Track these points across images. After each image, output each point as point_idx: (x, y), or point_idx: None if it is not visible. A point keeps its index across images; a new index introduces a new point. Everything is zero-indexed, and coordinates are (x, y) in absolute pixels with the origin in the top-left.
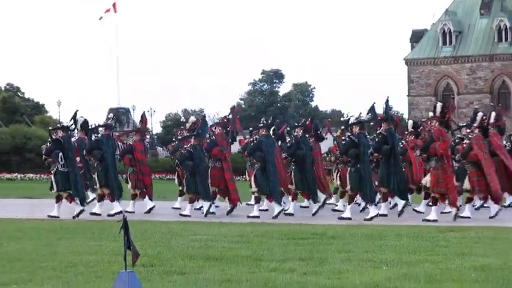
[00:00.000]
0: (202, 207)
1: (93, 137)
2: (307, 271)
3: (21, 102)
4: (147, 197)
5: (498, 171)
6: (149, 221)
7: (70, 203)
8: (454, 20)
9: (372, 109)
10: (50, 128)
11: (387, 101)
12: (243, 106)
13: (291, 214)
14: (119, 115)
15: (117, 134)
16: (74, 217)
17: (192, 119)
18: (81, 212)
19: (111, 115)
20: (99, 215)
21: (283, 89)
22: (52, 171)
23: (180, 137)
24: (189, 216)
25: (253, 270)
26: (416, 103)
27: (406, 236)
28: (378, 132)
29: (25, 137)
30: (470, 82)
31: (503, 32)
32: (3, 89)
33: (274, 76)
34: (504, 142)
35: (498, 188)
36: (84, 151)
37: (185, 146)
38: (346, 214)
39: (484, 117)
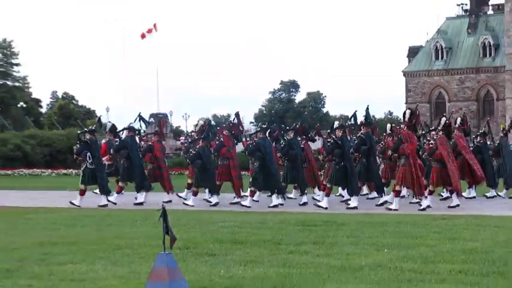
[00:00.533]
0: (205, 198)
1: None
2: (320, 253)
3: (75, 109)
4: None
5: (463, 168)
6: (182, 211)
7: (102, 194)
8: (445, 38)
9: (353, 116)
10: (79, 131)
11: (367, 108)
12: (264, 112)
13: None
14: (101, 121)
15: (142, 135)
16: (99, 206)
17: (201, 122)
18: (106, 205)
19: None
20: (115, 203)
21: (299, 97)
22: (82, 168)
23: (190, 140)
24: (193, 206)
25: (273, 252)
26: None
27: (404, 223)
28: (358, 135)
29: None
30: (459, 91)
31: (487, 48)
32: (60, 97)
33: (291, 86)
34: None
35: (458, 181)
36: (112, 150)
37: (196, 147)
38: (353, 204)
39: (448, 121)
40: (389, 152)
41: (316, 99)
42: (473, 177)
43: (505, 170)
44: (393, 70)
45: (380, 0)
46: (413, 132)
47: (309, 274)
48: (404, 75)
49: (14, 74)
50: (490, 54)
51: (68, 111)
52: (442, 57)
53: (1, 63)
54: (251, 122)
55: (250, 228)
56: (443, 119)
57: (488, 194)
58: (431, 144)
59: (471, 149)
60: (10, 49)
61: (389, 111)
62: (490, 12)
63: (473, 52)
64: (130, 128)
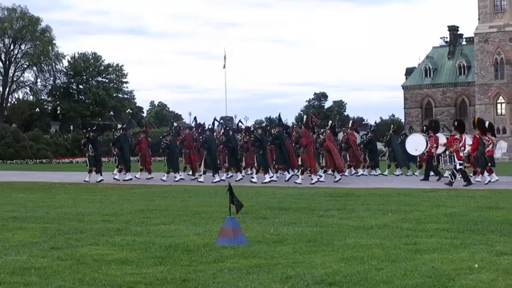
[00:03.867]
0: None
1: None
2: (342, 217)
3: (166, 114)
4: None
5: (354, 157)
6: (244, 186)
7: (96, 174)
8: (431, 61)
9: (279, 119)
10: (84, 130)
11: (279, 114)
12: (302, 115)
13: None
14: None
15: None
16: (97, 181)
17: (175, 124)
18: (101, 180)
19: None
20: (118, 180)
21: (327, 104)
22: (86, 156)
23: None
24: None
25: (308, 216)
26: (409, 113)
27: (403, 195)
28: (273, 132)
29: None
30: (442, 99)
31: (462, 68)
32: (156, 105)
33: (321, 96)
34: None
35: (341, 165)
36: (111, 144)
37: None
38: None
39: (333, 123)
40: (293, 144)
41: (339, 105)
42: (357, 161)
43: (394, 155)
44: (395, 84)
45: (385, 35)
46: (309, 130)
47: (334, 232)
48: (402, 88)
49: (124, 89)
50: (464, 73)
51: (162, 115)
52: (430, 75)
53: (115, 81)
54: (293, 122)
55: (292, 198)
56: (330, 122)
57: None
58: (321, 138)
59: (365, 141)
60: (121, 71)
61: (392, 114)
62: (464, 43)
63: (452, 71)
64: (123, 128)
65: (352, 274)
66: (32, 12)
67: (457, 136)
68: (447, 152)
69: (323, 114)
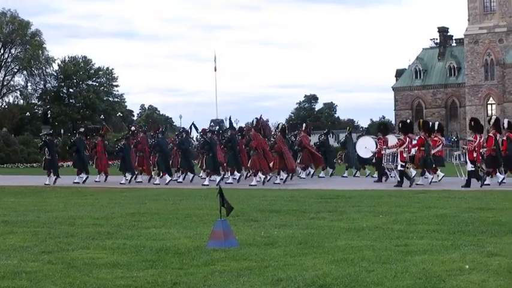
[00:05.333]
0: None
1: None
2: (333, 219)
3: (157, 117)
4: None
5: (313, 156)
6: (232, 189)
7: (53, 176)
8: (422, 63)
9: (230, 122)
10: (40, 134)
11: (230, 118)
12: (293, 117)
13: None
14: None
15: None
16: (47, 184)
17: (132, 128)
18: (56, 179)
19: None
20: (78, 183)
21: (318, 106)
22: (43, 159)
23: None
24: (208, 185)
25: (299, 218)
26: (400, 114)
27: (394, 196)
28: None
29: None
30: (433, 101)
31: (452, 70)
32: (147, 108)
33: (312, 98)
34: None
35: (293, 165)
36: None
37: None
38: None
39: (284, 126)
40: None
41: (330, 107)
42: (315, 162)
43: (349, 157)
44: (385, 86)
45: (375, 36)
46: (259, 133)
47: (325, 234)
48: (393, 89)
49: (114, 92)
50: (454, 74)
51: (153, 119)
52: (420, 77)
53: (105, 85)
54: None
55: (283, 201)
56: (281, 124)
57: (321, 174)
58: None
59: (318, 143)
60: (111, 75)
61: (382, 115)
62: (454, 44)
63: (442, 73)
64: (79, 133)
65: (343, 276)
66: (21, 16)
67: (401, 137)
68: (389, 151)
69: (314, 116)
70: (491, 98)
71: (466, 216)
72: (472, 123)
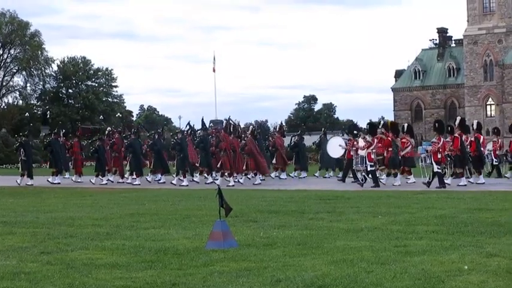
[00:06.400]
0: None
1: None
2: (332, 219)
3: (156, 118)
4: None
5: (281, 160)
6: (232, 189)
7: (27, 177)
8: (421, 64)
9: (202, 123)
10: (16, 135)
11: (202, 119)
12: (292, 118)
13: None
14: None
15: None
16: (20, 184)
17: (109, 128)
18: (32, 184)
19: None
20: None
21: (317, 107)
22: (19, 160)
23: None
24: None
25: (298, 219)
26: (399, 115)
27: (393, 197)
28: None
29: None
30: (432, 101)
31: (451, 70)
32: (146, 109)
33: (311, 99)
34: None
35: (265, 166)
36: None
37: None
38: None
39: (254, 128)
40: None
41: (329, 108)
42: (284, 163)
43: (323, 157)
44: (385, 87)
45: (375, 37)
46: (229, 135)
47: (324, 234)
48: (392, 90)
49: (113, 93)
50: (454, 75)
51: (152, 119)
52: (419, 77)
53: (105, 85)
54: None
55: (282, 201)
56: (251, 127)
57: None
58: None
59: (292, 145)
60: (111, 75)
61: (382, 116)
62: (453, 45)
63: (442, 73)
64: (56, 133)
65: (342, 277)
66: (21, 17)
67: (369, 139)
68: (359, 154)
69: (313, 117)
70: (490, 99)
71: (465, 216)
72: (436, 125)
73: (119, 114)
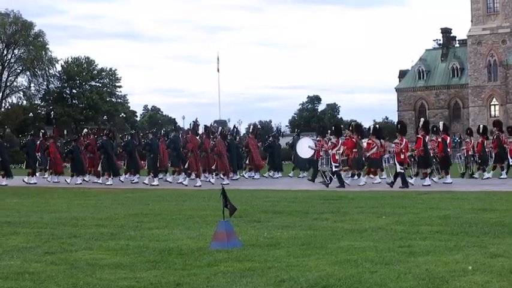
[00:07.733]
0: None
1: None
2: (336, 220)
3: (160, 118)
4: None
5: (254, 160)
6: (235, 190)
7: (2, 178)
8: (425, 64)
9: (174, 123)
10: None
11: (174, 120)
12: (296, 118)
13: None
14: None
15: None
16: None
17: (85, 131)
18: (6, 185)
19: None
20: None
21: (321, 107)
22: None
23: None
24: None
25: (302, 219)
26: (403, 115)
27: (397, 197)
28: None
29: None
30: (436, 102)
31: (455, 71)
32: (150, 109)
33: (315, 99)
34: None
35: (227, 168)
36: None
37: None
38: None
39: (223, 129)
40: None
41: (333, 108)
42: (256, 164)
43: (297, 158)
44: (388, 87)
45: (378, 37)
46: (195, 136)
47: (328, 235)
48: (396, 90)
49: (117, 93)
50: (457, 75)
51: (155, 119)
52: (423, 78)
53: (108, 85)
54: (286, 125)
55: (286, 202)
56: (220, 128)
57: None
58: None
59: (266, 145)
60: (114, 76)
61: (386, 116)
62: (457, 45)
63: (445, 74)
64: (33, 135)
65: (346, 277)
66: (25, 17)
67: (334, 140)
68: (324, 154)
69: (316, 117)
70: (494, 99)
71: (469, 217)
72: (399, 126)
73: (122, 114)
